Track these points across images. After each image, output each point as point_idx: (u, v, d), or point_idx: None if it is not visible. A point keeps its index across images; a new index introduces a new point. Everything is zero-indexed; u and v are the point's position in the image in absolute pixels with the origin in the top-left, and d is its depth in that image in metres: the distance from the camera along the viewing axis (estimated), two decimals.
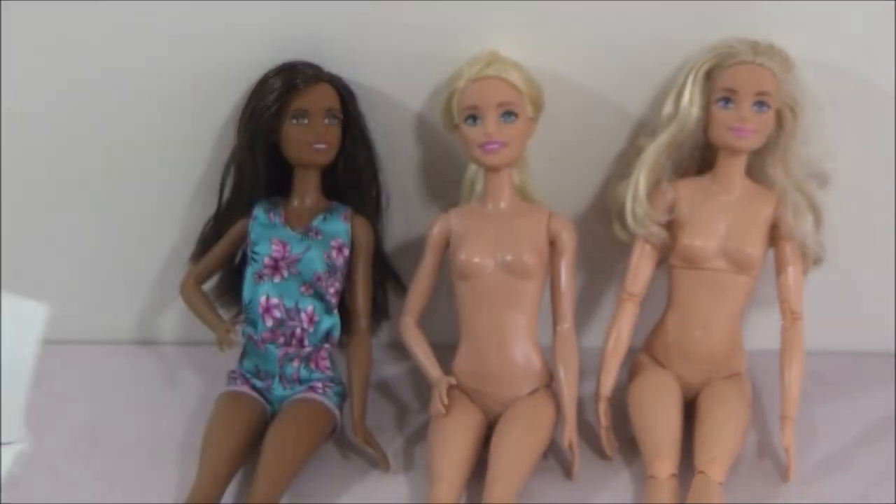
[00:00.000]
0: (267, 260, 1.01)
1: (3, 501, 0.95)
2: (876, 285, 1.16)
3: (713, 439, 0.94)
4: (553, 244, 0.99)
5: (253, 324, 1.01)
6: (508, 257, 0.97)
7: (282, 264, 1.01)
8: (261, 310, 1.00)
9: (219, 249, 1.05)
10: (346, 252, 1.03)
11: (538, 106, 1.00)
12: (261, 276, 1.01)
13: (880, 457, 1.02)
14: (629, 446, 1.00)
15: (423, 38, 1.02)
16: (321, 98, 0.98)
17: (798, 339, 1.00)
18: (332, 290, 1.01)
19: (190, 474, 0.93)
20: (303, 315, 1.00)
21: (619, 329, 1.03)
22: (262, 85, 0.99)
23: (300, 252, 1.01)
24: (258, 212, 1.03)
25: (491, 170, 0.98)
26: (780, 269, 1.02)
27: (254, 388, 1.02)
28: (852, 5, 1.00)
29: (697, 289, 1.01)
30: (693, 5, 1.00)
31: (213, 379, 1.12)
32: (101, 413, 1.08)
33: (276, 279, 1.01)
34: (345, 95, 1.01)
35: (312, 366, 1.03)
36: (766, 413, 1.08)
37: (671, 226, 1.02)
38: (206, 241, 1.06)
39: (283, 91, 0.97)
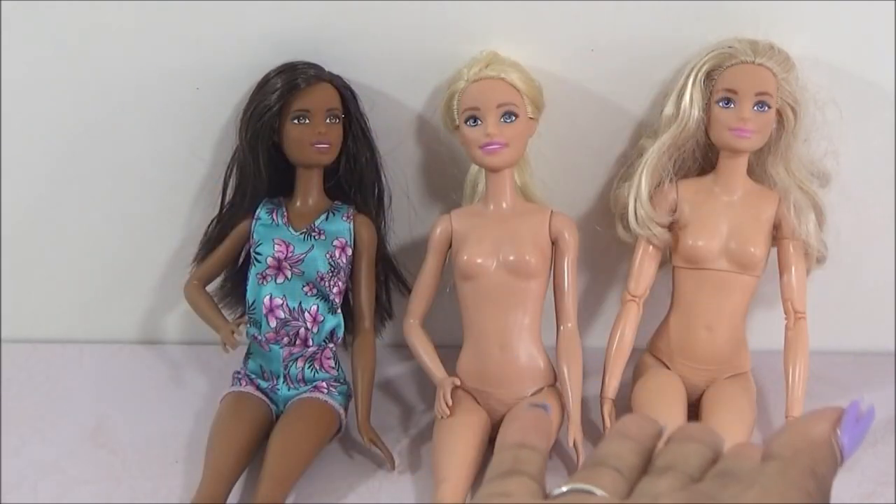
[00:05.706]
0: (270, 260, 1.01)
1: (5, 502, 0.95)
2: (877, 284, 1.16)
3: None
4: (555, 243, 0.99)
5: (257, 324, 1.01)
6: (511, 257, 0.97)
7: (285, 264, 1.01)
8: (264, 310, 1.00)
9: (222, 250, 1.05)
10: (349, 251, 1.03)
11: (538, 106, 1.00)
12: (264, 277, 1.01)
13: (885, 456, 1.01)
14: None
15: (423, 39, 1.02)
16: (322, 98, 0.98)
17: (802, 338, 1.00)
18: (335, 290, 1.02)
19: (195, 475, 0.94)
20: (307, 315, 1.01)
21: (623, 331, 1.03)
22: (263, 85, 0.99)
23: (303, 252, 1.01)
24: (261, 212, 1.03)
25: (492, 170, 0.98)
26: (783, 268, 1.01)
27: (258, 388, 1.02)
28: (852, 5, 1.00)
29: (701, 289, 1.01)
30: (693, 5, 1.00)
31: (218, 379, 1.12)
32: (106, 413, 1.08)
33: (280, 279, 1.01)
34: (346, 95, 1.01)
35: (317, 366, 1.03)
36: (771, 413, 1.08)
37: (673, 227, 1.02)
38: (210, 242, 1.07)
39: (284, 91, 0.97)
